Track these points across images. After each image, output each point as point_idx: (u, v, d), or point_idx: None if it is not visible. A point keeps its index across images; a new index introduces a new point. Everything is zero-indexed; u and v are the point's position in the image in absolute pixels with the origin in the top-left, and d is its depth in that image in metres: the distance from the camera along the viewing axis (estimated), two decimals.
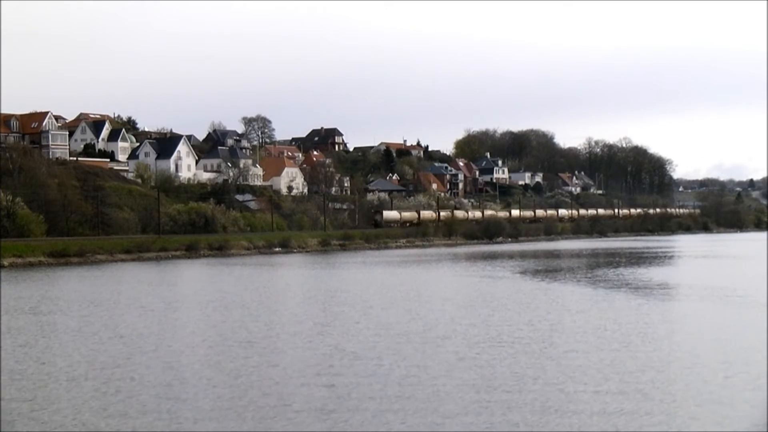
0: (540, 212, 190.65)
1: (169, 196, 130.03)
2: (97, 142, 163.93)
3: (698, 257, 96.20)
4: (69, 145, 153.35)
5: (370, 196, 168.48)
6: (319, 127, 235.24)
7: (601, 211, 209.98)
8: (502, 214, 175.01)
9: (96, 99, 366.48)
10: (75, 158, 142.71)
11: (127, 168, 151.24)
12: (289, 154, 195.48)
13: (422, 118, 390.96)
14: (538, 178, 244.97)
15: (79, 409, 21.55)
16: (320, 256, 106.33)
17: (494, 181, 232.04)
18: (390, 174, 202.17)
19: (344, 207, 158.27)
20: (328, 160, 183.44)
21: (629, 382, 23.91)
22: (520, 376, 24.79)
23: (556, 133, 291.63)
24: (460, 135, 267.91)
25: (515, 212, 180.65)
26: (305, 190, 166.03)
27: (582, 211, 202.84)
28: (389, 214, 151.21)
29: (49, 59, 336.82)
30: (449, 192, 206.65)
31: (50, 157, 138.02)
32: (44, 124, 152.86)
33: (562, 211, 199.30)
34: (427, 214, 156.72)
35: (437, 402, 21.62)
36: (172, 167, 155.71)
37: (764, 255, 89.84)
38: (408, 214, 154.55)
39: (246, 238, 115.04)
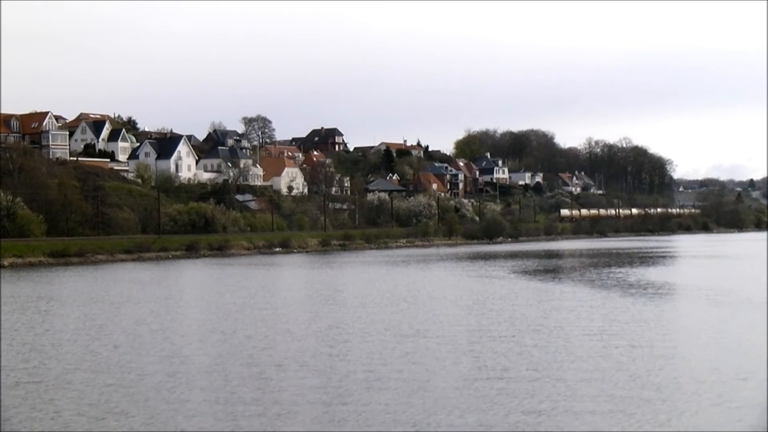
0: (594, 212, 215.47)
1: (169, 196, 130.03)
2: (98, 142, 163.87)
3: (698, 257, 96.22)
4: (69, 145, 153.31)
5: (370, 196, 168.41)
6: (319, 127, 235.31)
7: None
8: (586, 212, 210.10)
9: (96, 99, 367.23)
10: (75, 158, 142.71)
11: (127, 168, 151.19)
12: (289, 154, 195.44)
13: (422, 118, 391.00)
14: (538, 178, 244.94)
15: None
16: (320, 256, 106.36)
17: (494, 181, 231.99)
18: (390, 174, 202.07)
19: (344, 207, 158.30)
20: (328, 160, 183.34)
21: (626, 381, 23.91)
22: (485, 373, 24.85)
23: (556, 133, 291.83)
24: (460, 135, 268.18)
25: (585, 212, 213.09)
26: (305, 190, 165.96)
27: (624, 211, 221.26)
28: (564, 212, 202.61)
29: (49, 59, 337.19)
30: (449, 192, 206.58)
31: (50, 157, 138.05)
32: (44, 124, 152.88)
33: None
34: (584, 211, 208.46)
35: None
36: (173, 167, 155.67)
37: (764, 255, 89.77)
38: (575, 212, 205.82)
39: (246, 238, 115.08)
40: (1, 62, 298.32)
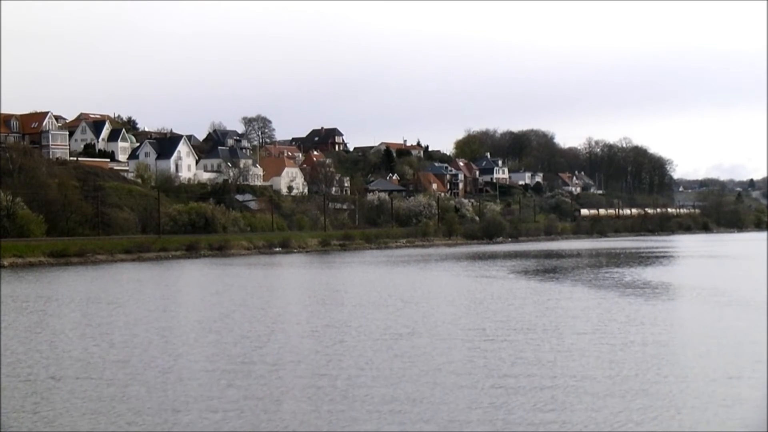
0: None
1: (169, 196, 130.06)
2: (97, 142, 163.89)
3: (697, 257, 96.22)
4: (69, 145, 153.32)
5: (370, 196, 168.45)
6: (319, 127, 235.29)
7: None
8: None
9: (96, 99, 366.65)
10: (75, 158, 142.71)
11: (127, 168, 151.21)
12: (289, 154, 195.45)
13: (422, 118, 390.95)
14: (538, 178, 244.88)
15: None
16: (320, 256, 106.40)
17: (494, 181, 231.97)
18: (390, 174, 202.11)
19: (344, 207, 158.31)
20: (328, 160, 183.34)
21: (623, 381, 23.97)
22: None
23: (556, 133, 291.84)
24: (460, 135, 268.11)
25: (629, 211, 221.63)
26: (305, 190, 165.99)
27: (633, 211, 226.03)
28: (584, 211, 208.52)
29: (49, 59, 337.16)
30: (449, 192, 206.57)
31: (50, 157, 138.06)
32: (44, 124, 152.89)
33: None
34: (602, 211, 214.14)
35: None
36: (172, 167, 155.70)
37: (764, 255, 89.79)
38: (593, 212, 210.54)
39: (246, 238, 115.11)
40: (1, 62, 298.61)
